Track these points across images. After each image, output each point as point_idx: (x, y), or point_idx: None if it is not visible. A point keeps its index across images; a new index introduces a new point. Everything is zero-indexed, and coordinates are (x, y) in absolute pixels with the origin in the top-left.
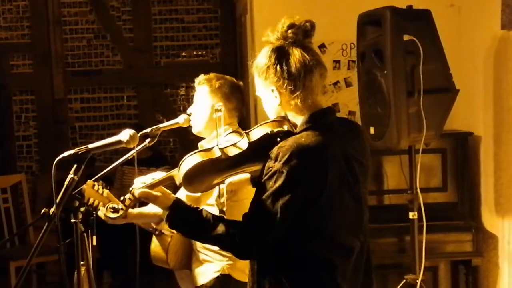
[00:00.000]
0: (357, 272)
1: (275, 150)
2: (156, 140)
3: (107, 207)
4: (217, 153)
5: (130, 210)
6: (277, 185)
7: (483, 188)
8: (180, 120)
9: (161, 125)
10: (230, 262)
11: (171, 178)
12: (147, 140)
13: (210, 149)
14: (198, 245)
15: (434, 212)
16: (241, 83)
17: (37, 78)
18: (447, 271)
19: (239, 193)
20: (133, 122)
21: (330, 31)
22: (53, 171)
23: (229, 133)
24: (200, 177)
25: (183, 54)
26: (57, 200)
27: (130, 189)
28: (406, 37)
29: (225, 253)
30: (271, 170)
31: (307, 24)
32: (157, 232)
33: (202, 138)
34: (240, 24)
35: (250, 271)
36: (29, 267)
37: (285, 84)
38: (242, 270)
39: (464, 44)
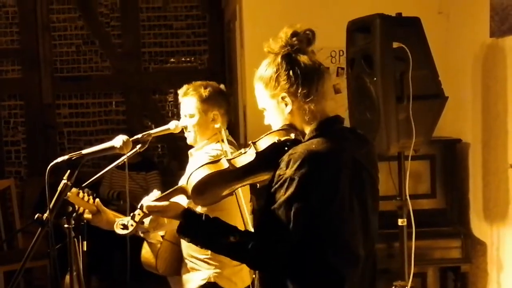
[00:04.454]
0: (363, 280)
1: (285, 158)
2: (146, 146)
3: (116, 223)
4: (224, 165)
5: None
6: (289, 192)
7: (472, 194)
8: (171, 126)
9: (152, 131)
10: (217, 270)
11: (179, 191)
12: (138, 146)
13: (217, 161)
14: (186, 253)
15: (423, 219)
16: (222, 85)
17: (26, 83)
18: (435, 278)
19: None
20: (121, 127)
21: (319, 37)
22: (46, 177)
23: (216, 142)
24: (209, 189)
25: (172, 60)
26: (50, 206)
27: (139, 205)
28: (395, 44)
29: (212, 262)
30: (282, 178)
31: (309, 32)
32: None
33: (192, 146)
34: (229, 29)
35: (259, 284)
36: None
37: (299, 89)
38: (229, 278)
39: (453, 51)
